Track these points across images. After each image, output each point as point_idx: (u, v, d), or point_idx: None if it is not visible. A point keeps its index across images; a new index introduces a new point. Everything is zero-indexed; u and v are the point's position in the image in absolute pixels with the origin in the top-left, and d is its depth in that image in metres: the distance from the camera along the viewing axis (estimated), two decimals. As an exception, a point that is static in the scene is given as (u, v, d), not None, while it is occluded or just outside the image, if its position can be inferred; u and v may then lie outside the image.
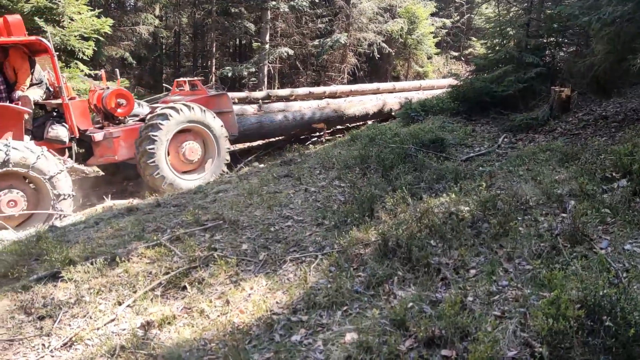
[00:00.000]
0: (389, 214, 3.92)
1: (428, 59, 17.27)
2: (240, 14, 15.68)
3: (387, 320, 2.56)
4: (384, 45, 15.46)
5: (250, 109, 9.44)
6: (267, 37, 14.93)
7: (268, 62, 15.08)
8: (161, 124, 6.66)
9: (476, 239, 3.41)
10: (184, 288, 3.35)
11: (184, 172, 7.09)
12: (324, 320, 2.71)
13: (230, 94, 9.17)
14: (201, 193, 5.67)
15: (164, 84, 15.42)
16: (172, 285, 3.41)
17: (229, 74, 14.68)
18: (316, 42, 15.20)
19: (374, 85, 12.62)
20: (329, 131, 10.42)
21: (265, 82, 15.34)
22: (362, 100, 10.94)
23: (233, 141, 8.06)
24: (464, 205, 3.85)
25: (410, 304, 2.65)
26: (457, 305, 2.50)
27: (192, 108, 7.00)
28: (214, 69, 15.95)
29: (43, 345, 2.85)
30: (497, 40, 7.44)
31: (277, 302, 3.00)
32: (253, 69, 15.02)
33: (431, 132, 5.70)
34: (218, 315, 2.96)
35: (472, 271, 3.07)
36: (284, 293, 3.10)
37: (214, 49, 16.21)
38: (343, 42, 14.78)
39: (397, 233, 3.36)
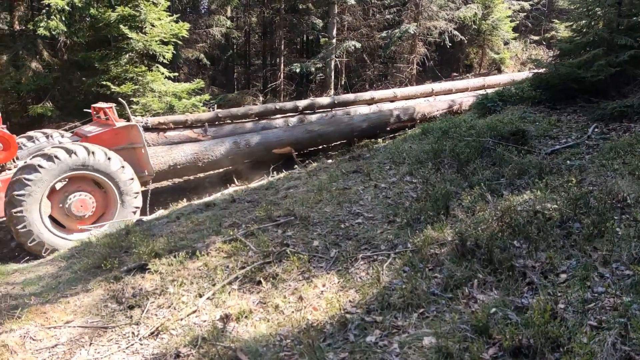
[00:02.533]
0: (466, 212, 3.73)
1: (505, 44, 16.21)
2: (308, 10, 15.79)
3: (468, 325, 2.43)
4: (455, 33, 14.77)
5: (192, 134, 8.04)
6: (334, 32, 14.89)
7: (335, 56, 15.05)
8: (27, 180, 5.36)
9: (566, 241, 3.14)
10: (259, 282, 3.43)
11: (80, 226, 5.84)
12: (400, 322, 2.64)
13: (167, 118, 8.00)
14: (272, 189, 5.80)
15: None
16: (247, 279, 3.51)
17: (297, 70, 14.87)
18: (384, 34, 14.88)
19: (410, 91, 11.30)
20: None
21: (332, 77, 15.34)
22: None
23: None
24: (551, 202, 3.56)
25: (493, 309, 2.50)
26: (547, 313, 2.31)
27: (75, 152, 5.61)
28: (282, 66, 16.25)
29: (133, 333, 3.06)
30: (584, 21, 6.78)
31: (350, 301, 2.97)
32: (320, 65, 15.08)
33: (511, 123, 5.33)
34: (292, 312, 2.99)
35: (563, 276, 2.83)
36: (357, 292, 3.07)
37: (282, 46, 16.50)
38: (412, 32, 14.33)
39: (476, 233, 3.18)
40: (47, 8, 10.13)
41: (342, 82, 16.62)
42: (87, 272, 4.10)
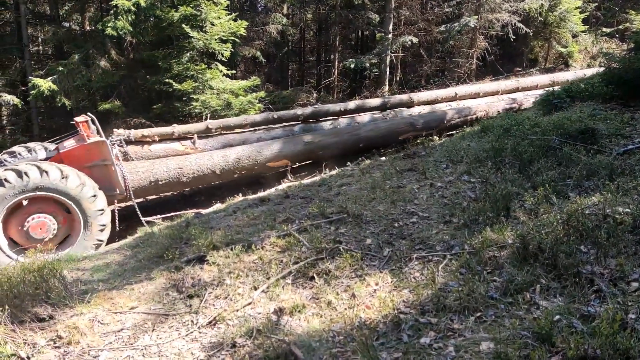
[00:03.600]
0: (529, 214, 3.55)
1: (573, 37, 15.20)
2: (364, 5, 15.66)
3: (529, 332, 2.32)
4: (520, 25, 14.05)
5: (180, 147, 7.53)
6: (390, 27, 14.67)
7: (391, 52, 14.83)
8: None
9: (639, 247, 2.91)
10: (312, 278, 3.47)
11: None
12: (455, 325, 2.57)
13: (152, 131, 7.51)
14: (325, 186, 5.83)
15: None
16: (301, 274, 3.56)
17: (351, 66, 14.81)
18: (442, 28, 14.45)
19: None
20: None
21: (387, 73, 15.14)
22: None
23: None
24: (623, 206, 3.30)
25: (557, 316, 2.37)
26: (616, 323, 2.16)
27: (27, 173, 5.29)
28: (336, 63, 16.26)
29: (192, 321, 3.20)
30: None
31: (403, 301, 2.93)
32: (375, 60, 14.93)
33: (579, 121, 5.00)
34: (345, 309, 3.00)
35: (635, 284, 2.63)
36: (411, 292, 3.02)
37: (337, 43, 16.50)
38: (473, 25, 13.80)
39: (540, 236, 3.02)
40: (114, 9, 10.76)
41: (397, 78, 16.36)
42: (150, 261, 4.34)
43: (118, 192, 6.16)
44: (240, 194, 6.97)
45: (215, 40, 11.00)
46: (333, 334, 2.73)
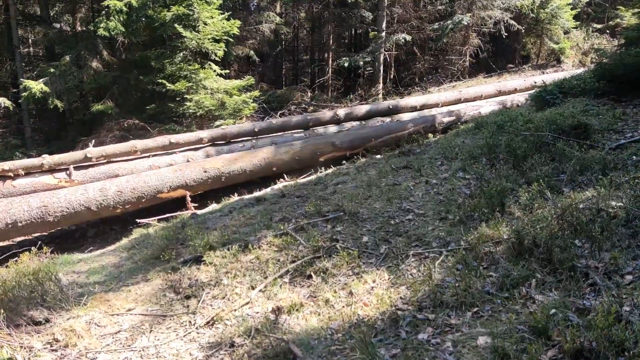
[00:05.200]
0: (524, 209, 3.58)
1: (565, 34, 15.29)
2: (357, 3, 15.66)
3: (526, 326, 2.34)
4: (512, 22, 14.12)
5: (52, 180, 6.59)
6: (384, 25, 14.68)
7: (384, 50, 14.85)
8: None
9: (632, 240, 2.95)
10: (309, 277, 3.48)
11: None
12: (453, 321, 2.59)
13: (15, 164, 6.59)
14: (321, 184, 5.83)
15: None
16: (298, 273, 3.56)
17: (345, 65, 14.81)
18: (436, 26, 14.48)
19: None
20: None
21: (381, 71, 15.15)
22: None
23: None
24: (616, 200, 3.34)
25: (553, 310, 2.39)
26: (611, 316, 2.18)
27: None
28: (330, 61, 16.26)
29: (189, 322, 3.20)
30: (655, 6, 6.28)
31: (401, 298, 2.95)
32: (369, 59, 14.94)
33: (572, 116, 5.04)
34: (343, 306, 3.01)
35: (628, 277, 2.66)
36: (408, 289, 3.03)
37: (331, 41, 16.50)
38: (466, 22, 13.84)
39: (535, 231, 3.05)
40: (106, 9, 10.69)
41: (391, 76, 16.39)
42: (146, 262, 4.33)
43: None
44: (236, 194, 6.95)
45: (209, 39, 10.96)
46: (331, 332, 2.74)
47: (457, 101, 10.75)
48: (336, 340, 2.65)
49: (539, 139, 4.68)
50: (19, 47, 13.04)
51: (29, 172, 6.65)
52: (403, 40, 14.47)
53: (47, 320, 3.18)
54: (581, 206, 3.30)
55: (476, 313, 2.61)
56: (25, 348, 2.85)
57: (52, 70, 11.10)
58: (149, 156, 7.46)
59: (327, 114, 9.81)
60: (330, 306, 3.07)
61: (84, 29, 13.64)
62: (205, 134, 7.99)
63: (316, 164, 7.47)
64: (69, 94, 12.00)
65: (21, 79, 11.38)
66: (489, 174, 4.48)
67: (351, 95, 15.74)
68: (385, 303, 2.92)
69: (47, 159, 6.74)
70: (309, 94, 16.36)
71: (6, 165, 6.46)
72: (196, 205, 6.86)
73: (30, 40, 17.21)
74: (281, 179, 7.44)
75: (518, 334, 2.30)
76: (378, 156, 7.07)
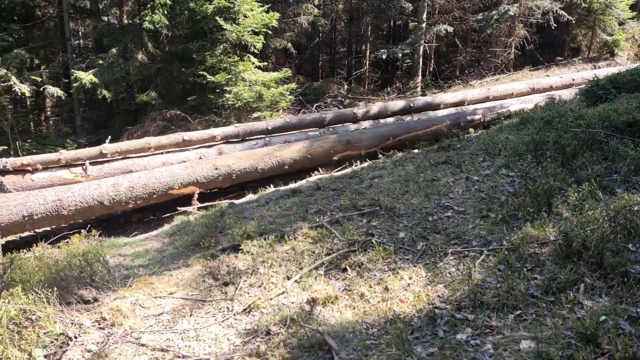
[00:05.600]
0: (573, 210, 3.42)
1: (619, 25, 14.43)
2: (397, -6, 15.40)
3: (573, 332, 2.24)
4: (562, 12, 13.46)
5: (68, 174, 6.73)
6: (424, 16, 14.37)
7: (424, 41, 14.54)
8: None
9: (693, 246, 2.76)
10: (344, 270, 3.47)
11: None
12: (493, 323, 2.51)
13: (34, 158, 6.85)
14: (357, 178, 5.80)
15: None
16: (333, 265, 3.56)
17: (383, 57, 14.62)
18: (479, 16, 14.02)
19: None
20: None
21: (420, 63, 14.86)
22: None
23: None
24: (675, 203, 3.14)
25: (603, 317, 2.28)
26: (667, 327, 2.06)
27: None
28: (368, 53, 16.09)
29: (227, 308, 3.27)
30: None
31: (438, 296, 2.89)
32: (408, 50, 14.67)
33: (627, 113, 4.76)
34: (378, 301, 2.99)
35: (687, 286, 2.50)
36: (446, 287, 2.97)
37: (369, 33, 16.32)
38: (512, 13, 13.31)
39: (584, 233, 2.91)
40: (151, 3, 11.00)
41: (431, 69, 16.05)
42: (187, 248, 4.45)
43: None
44: (272, 185, 7.03)
45: (248, 32, 11.09)
46: (366, 326, 2.73)
47: (505, 96, 10.27)
48: (371, 335, 2.64)
49: (591, 136, 4.45)
50: (70, 40, 13.64)
51: (47, 166, 6.81)
52: (444, 32, 14.11)
53: (96, 300, 3.34)
54: (635, 208, 3.12)
55: (519, 316, 2.53)
56: (75, 325, 3.00)
57: (100, 61, 11.55)
58: (162, 153, 7.52)
59: (345, 111, 9.52)
60: (366, 300, 3.06)
61: (130, 21, 14.10)
62: (218, 131, 8.00)
63: (329, 162, 7.33)
64: (116, 84, 12.45)
65: (72, 70, 11.90)
66: (535, 172, 4.31)
67: (388, 88, 15.54)
68: (422, 300, 2.88)
69: (64, 154, 6.93)
70: (346, 86, 16.27)
71: (25, 159, 6.69)
72: (231, 196, 7.00)
73: (80, 33, 17.95)
74: (315, 172, 7.42)
75: (564, 340, 2.21)
76: (415, 150, 6.95)
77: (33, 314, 2.97)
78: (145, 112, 12.70)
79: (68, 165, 6.90)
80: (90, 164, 6.94)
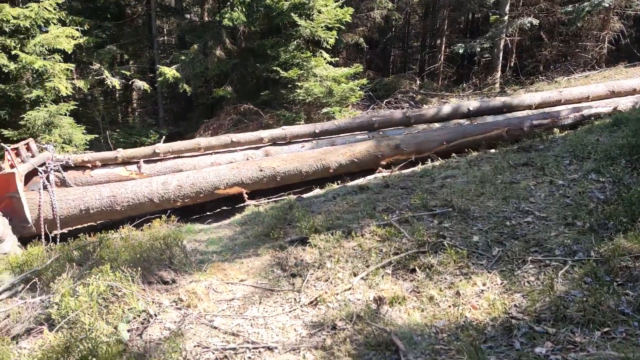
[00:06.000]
0: (675, 222, 3.08)
1: None
2: (478, -14, 14.73)
3: (672, 359, 2.02)
4: (665, 2, 12.13)
5: (124, 172, 6.98)
6: (507, 8, 13.58)
7: (506, 35, 13.75)
8: None
9: None
10: (413, 271, 3.40)
11: None
12: (577, 338, 2.33)
13: (93, 155, 7.18)
14: (428, 177, 5.64)
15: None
16: (401, 265, 3.50)
17: (460, 51, 14.04)
18: (569, 8, 12.98)
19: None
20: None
21: (500, 58, 14.09)
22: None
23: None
24: None
25: None
26: None
27: None
28: (443, 48, 15.56)
29: (294, 299, 3.33)
30: None
31: (515, 306, 2.73)
32: (487, 45, 13.96)
33: None
34: (449, 306, 2.89)
35: None
36: (524, 297, 2.80)
37: (445, 26, 15.75)
38: (607, 4, 12.18)
39: (689, 249, 2.60)
40: (230, 1, 11.44)
41: (512, 64, 15.16)
42: (257, 238, 4.60)
43: (29, 224, 5.64)
44: (339, 181, 7.06)
45: (322, 27, 11.16)
46: (436, 330, 2.65)
47: (580, 99, 9.33)
48: (441, 339, 2.56)
49: (699, 141, 3.97)
50: (156, 36, 14.61)
51: (105, 163, 7.15)
52: (529, 25, 13.23)
53: (174, 281, 3.56)
54: None
55: (607, 333, 2.32)
56: (155, 303, 3.22)
57: (182, 57, 12.25)
58: (211, 153, 7.64)
59: (396, 114, 9.03)
60: (435, 304, 2.97)
61: (211, 19, 14.79)
62: (265, 133, 8.04)
63: (377, 167, 7.18)
64: (195, 79, 13.14)
65: (157, 65, 12.75)
66: (630, 178, 3.92)
67: (464, 84, 14.92)
68: (497, 309, 2.74)
69: (121, 153, 7.24)
70: (418, 82, 15.85)
71: (85, 156, 7.11)
72: (300, 190, 7.09)
73: (165, 30, 19.16)
74: (380, 169, 7.29)
75: (661, 366, 1.99)
76: (492, 150, 6.62)
77: (119, 291, 3.23)
78: (220, 105, 13.29)
79: (124, 163, 7.21)
80: (145, 162, 7.24)
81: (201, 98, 15.51)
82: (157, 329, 3.00)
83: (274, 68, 11.39)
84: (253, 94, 13.12)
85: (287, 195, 6.60)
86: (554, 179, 4.44)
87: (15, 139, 9.31)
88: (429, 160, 7.02)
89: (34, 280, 3.91)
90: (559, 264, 3.04)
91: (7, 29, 9.18)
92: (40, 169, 6.22)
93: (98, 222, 6.63)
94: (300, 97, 11.26)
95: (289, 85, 11.46)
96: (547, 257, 3.17)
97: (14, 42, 9.30)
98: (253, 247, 4.34)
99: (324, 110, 11.39)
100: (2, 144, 5.80)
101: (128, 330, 2.96)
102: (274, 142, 8.04)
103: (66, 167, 6.83)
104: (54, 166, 6.55)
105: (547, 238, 3.42)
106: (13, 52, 9.16)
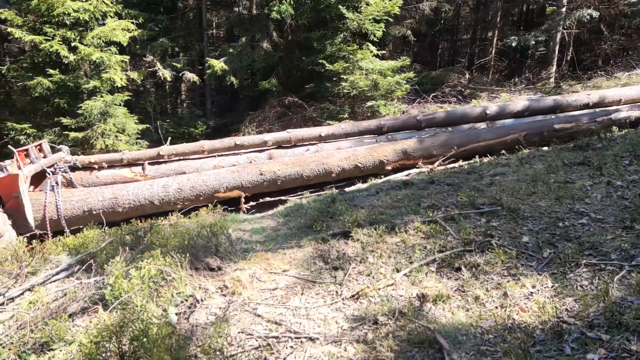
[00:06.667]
0: None
1: None
2: (534, -25, 14.05)
3: None
4: None
5: (129, 174, 7.05)
6: (565, -1, 12.89)
7: (563, 28, 13.06)
8: None
9: None
10: (458, 269, 3.33)
11: None
12: (633, 347, 2.21)
13: (100, 157, 7.23)
14: (476, 174, 5.49)
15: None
16: (446, 264, 3.44)
17: (513, 44, 13.48)
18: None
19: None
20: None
21: (556, 52, 13.41)
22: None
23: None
24: None
25: None
26: None
27: None
28: (495, 41, 14.98)
29: (336, 292, 3.35)
30: None
31: (567, 310, 2.62)
32: (542, 37, 13.32)
33: None
34: (495, 307, 2.81)
35: None
36: (576, 301, 2.68)
37: (498, 18, 15.15)
38: (676, -7, 11.34)
39: None
40: (279, -6, 11.54)
41: (568, 58, 14.39)
42: (299, 230, 4.66)
43: (29, 224, 5.78)
44: (382, 176, 7.00)
45: (369, 20, 11.04)
46: (481, 331, 2.59)
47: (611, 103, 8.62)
48: (487, 340, 2.50)
49: None
50: (206, 29, 15.00)
51: (111, 165, 7.25)
52: (588, 17, 12.50)
53: (219, 268, 3.67)
54: None
55: (668, 345, 2.18)
56: (202, 289, 3.34)
57: (231, 50, 12.52)
58: (215, 156, 7.67)
59: (408, 118, 8.66)
60: (481, 304, 2.89)
61: (259, 12, 14.99)
62: (269, 137, 7.95)
63: (381, 172, 7.06)
64: (242, 72, 13.40)
65: (206, 58, 13.10)
66: (700, 181, 3.65)
67: (516, 79, 14.32)
68: (547, 312, 2.64)
69: (127, 154, 7.35)
70: (467, 75, 15.37)
71: (92, 158, 7.22)
72: (343, 184, 7.07)
73: (214, 23, 19.62)
74: (420, 165, 7.13)
75: None
76: (545, 148, 6.34)
77: (169, 275, 3.37)
78: (265, 98, 13.48)
79: (130, 164, 7.29)
80: (149, 164, 7.31)
81: (247, 90, 15.80)
82: (203, 313, 3.11)
83: (320, 61, 11.40)
84: (298, 87, 13.20)
85: (329, 189, 6.65)
86: (611, 179, 4.20)
87: (73, 127, 9.87)
88: (477, 156, 6.83)
89: (89, 261, 4.15)
90: (615, 268, 2.88)
91: (67, 22, 9.70)
92: (48, 170, 6.44)
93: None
94: (345, 91, 11.23)
95: (334, 79, 11.44)
96: (602, 261, 3.01)
97: (74, 35, 9.82)
98: (296, 239, 4.40)
99: (369, 103, 11.30)
100: (12, 147, 6.03)
101: (176, 314, 3.09)
102: (279, 145, 7.99)
103: (74, 168, 7.03)
104: (62, 167, 6.77)
105: (602, 241, 3.25)
106: (73, 44, 9.68)
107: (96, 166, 7.15)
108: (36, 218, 5.88)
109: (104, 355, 2.51)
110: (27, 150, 6.28)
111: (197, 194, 6.32)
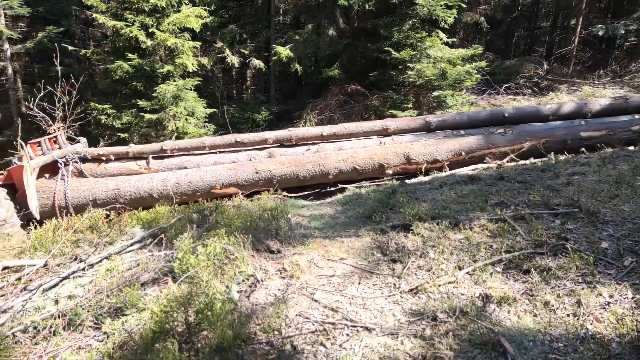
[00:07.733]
0: None
1: None
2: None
3: None
4: None
5: (134, 166, 7.13)
6: (663, -17, 11.61)
7: (658, 15, 11.82)
8: None
9: None
10: (527, 272, 3.15)
11: None
12: None
13: (107, 150, 7.33)
14: (551, 172, 5.15)
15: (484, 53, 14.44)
16: (513, 265, 3.26)
17: (600, 33, 12.40)
18: None
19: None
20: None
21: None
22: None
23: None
24: None
25: None
26: None
27: None
28: (579, 29, 13.85)
29: (394, 285, 3.30)
30: None
31: (651, 326, 2.39)
32: (634, 27, 12.13)
33: None
34: (567, 314, 2.63)
35: None
36: (663, 317, 2.44)
37: (583, 5, 13.97)
38: None
39: None
40: (348, -20, 11.40)
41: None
42: (358, 219, 4.62)
43: (33, 214, 5.93)
44: (448, 169, 6.77)
45: (441, 6, 10.64)
46: (550, 338, 2.43)
47: None
48: (556, 349, 2.34)
49: None
50: (274, 16, 15.20)
51: (118, 157, 7.47)
52: (691, 3, 11.19)
53: (279, 251, 3.74)
54: None
55: None
56: (262, 270, 3.43)
57: (296, 37, 12.61)
58: (216, 152, 7.72)
59: (417, 120, 8.14)
60: (551, 310, 2.72)
61: (326, -2, 14.96)
62: (270, 134, 7.82)
63: (382, 176, 6.77)
64: (306, 59, 13.48)
65: (273, 45, 13.29)
66: None
67: (601, 71, 13.19)
68: (625, 325, 2.42)
69: (132, 148, 7.55)
70: (545, 66, 14.37)
71: (101, 150, 7.44)
72: (403, 177, 6.93)
73: (281, 10, 19.84)
74: (488, 159, 6.79)
75: None
76: (631, 147, 5.80)
77: (232, 254, 3.49)
78: (328, 86, 13.47)
79: (135, 157, 7.54)
80: (153, 158, 7.54)
81: (310, 78, 15.88)
82: (262, 293, 3.20)
83: (386, 48, 11.19)
84: (361, 75, 13.06)
85: (390, 180, 6.55)
86: None
87: (148, 109, 10.47)
88: (551, 153, 6.40)
89: (160, 235, 4.40)
90: None
91: (146, 8, 10.25)
92: (60, 160, 6.78)
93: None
94: (410, 79, 10.95)
95: (400, 67, 11.18)
96: (697, 276, 2.71)
97: (152, 21, 10.35)
98: (354, 228, 4.38)
99: (435, 93, 10.94)
100: (21, 141, 6.38)
101: (238, 292, 3.20)
102: (280, 143, 7.90)
103: (84, 160, 7.34)
104: (73, 158, 7.12)
105: (698, 254, 2.92)
106: (150, 30, 10.21)
107: (104, 158, 7.45)
108: (46, 204, 6.24)
109: (172, 323, 2.65)
110: (39, 142, 6.60)
111: (194, 189, 6.44)
